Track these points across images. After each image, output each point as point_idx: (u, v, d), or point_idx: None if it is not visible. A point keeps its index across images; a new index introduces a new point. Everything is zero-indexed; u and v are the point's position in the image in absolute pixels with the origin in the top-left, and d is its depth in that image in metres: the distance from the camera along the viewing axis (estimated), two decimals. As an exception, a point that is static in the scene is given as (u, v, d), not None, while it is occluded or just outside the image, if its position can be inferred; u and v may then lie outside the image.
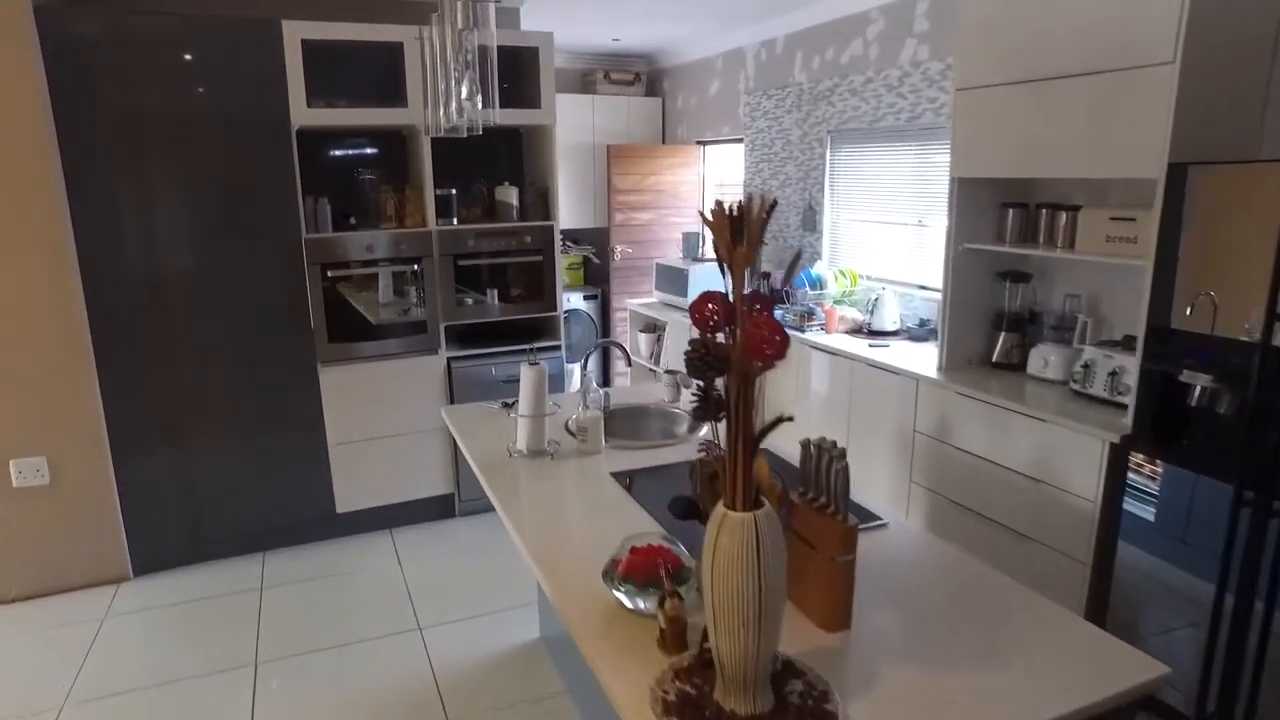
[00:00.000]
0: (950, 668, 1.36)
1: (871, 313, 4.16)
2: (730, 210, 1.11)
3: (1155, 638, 2.59)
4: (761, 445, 1.15)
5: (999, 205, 3.40)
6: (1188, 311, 2.45)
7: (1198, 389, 2.34)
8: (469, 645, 2.99)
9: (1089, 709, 1.27)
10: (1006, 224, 3.36)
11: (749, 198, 1.13)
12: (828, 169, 4.74)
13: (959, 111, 3.24)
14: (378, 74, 3.69)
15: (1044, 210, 3.23)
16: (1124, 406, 2.78)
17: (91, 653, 2.96)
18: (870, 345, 3.93)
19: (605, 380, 6.50)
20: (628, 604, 1.50)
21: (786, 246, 5.15)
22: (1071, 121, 2.79)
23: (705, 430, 2.57)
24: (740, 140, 5.57)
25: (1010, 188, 3.39)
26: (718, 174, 6.33)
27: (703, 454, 1.53)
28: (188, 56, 3.21)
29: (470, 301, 3.93)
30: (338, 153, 3.99)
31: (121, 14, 3.09)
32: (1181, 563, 2.49)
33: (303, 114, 3.38)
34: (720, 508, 1.14)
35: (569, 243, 6.42)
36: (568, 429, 2.56)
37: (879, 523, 1.92)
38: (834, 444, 1.48)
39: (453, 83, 1.84)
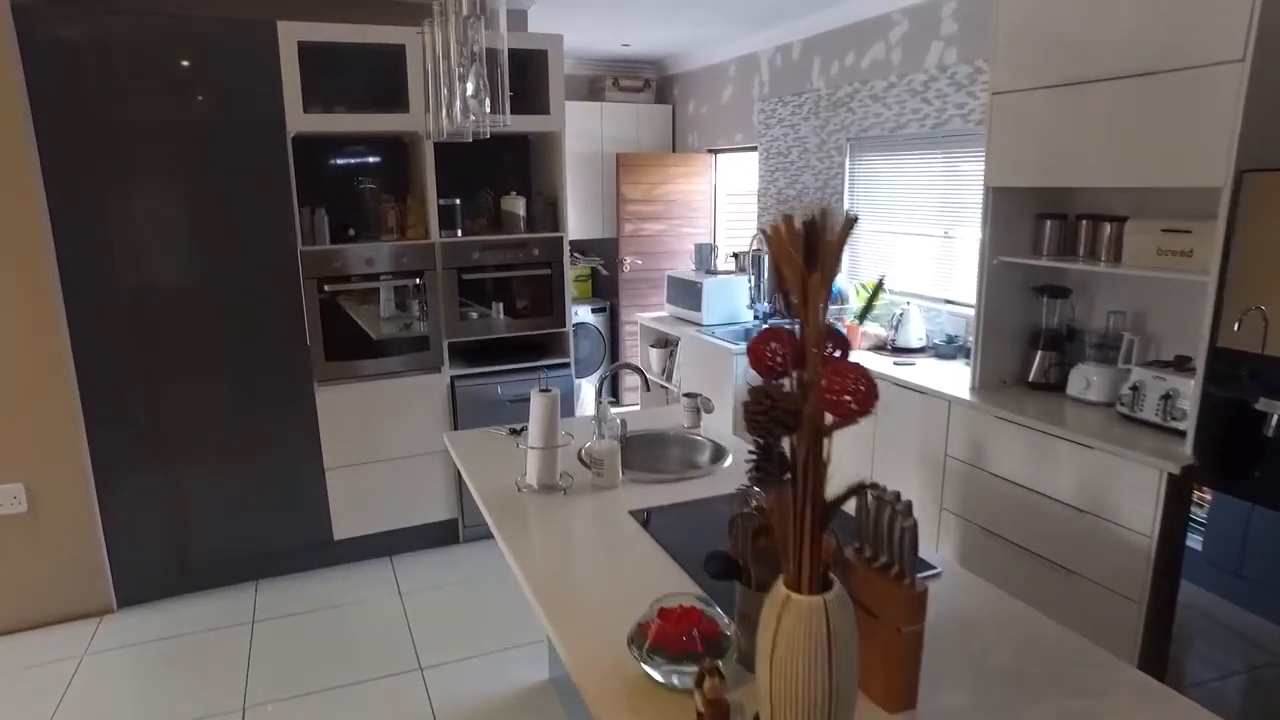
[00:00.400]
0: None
1: (896, 329, 3.96)
2: (800, 226, 0.91)
3: (1212, 684, 2.38)
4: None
5: (1035, 216, 3.21)
6: (1235, 328, 2.26)
7: (1276, 418, 2.13)
8: (473, 688, 2.79)
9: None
10: (1043, 236, 3.16)
11: (823, 211, 0.94)
12: (847, 178, 4.56)
13: (995, 117, 3.05)
14: (378, 77, 3.51)
15: (1084, 221, 3.04)
16: (1180, 433, 2.58)
17: (67, 695, 2.76)
18: (895, 363, 3.73)
19: (614, 398, 6.30)
20: (659, 679, 1.30)
21: (803, 258, 4.95)
22: (1122, 127, 2.59)
23: (728, 461, 2.37)
24: (754, 148, 5.38)
25: (1046, 198, 3.19)
26: (729, 183, 6.14)
27: (748, 509, 1.33)
28: (176, 59, 3.03)
29: (475, 316, 3.74)
30: (336, 161, 3.81)
31: (105, 14, 2.92)
32: (1238, 598, 2.28)
33: (299, 119, 3.20)
34: (781, 587, 0.94)
35: (576, 254, 6.23)
36: (581, 459, 2.36)
37: (932, 572, 1.72)
38: (896, 495, 1.28)
39: (456, 80, 1.65)
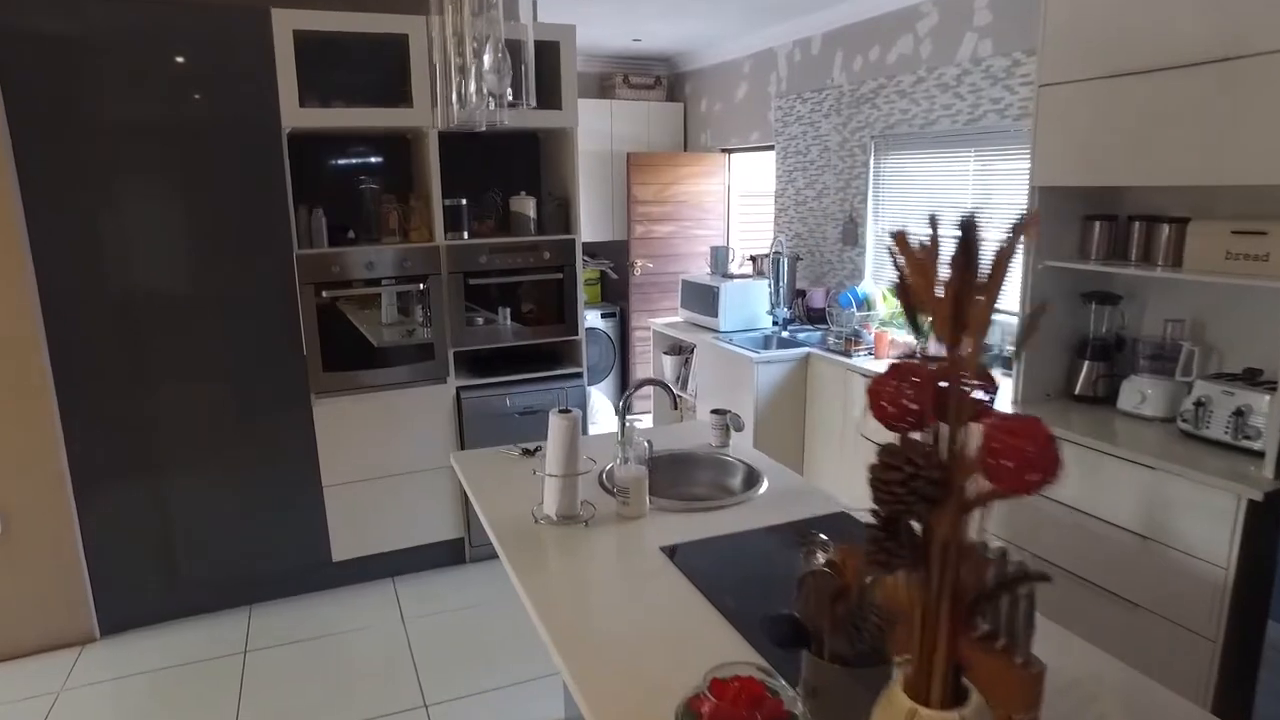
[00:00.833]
0: None
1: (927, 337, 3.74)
2: (953, 237, 0.70)
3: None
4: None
5: (1082, 218, 2.99)
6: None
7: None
8: (482, 728, 2.58)
9: None
10: (1092, 239, 2.95)
11: (970, 221, 0.72)
12: (871, 177, 4.34)
13: (1042, 111, 2.83)
14: (379, 70, 3.31)
15: (1137, 223, 2.83)
16: (1253, 453, 2.36)
17: (44, 736, 2.55)
18: (928, 373, 3.51)
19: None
20: (716, 771, 1.08)
21: (824, 262, 4.74)
22: (1194, 119, 2.38)
23: (763, 487, 2.15)
24: (771, 147, 5.17)
25: (1095, 198, 2.98)
26: (742, 184, 5.93)
27: (818, 565, 1.11)
28: (162, 50, 2.82)
29: (482, 324, 3.52)
30: (335, 159, 3.60)
31: (86, 2, 2.71)
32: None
33: (294, 115, 2.99)
34: (901, 697, 0.73)
35: (585, 256, 6.01)
36: (602, 483, 2.15)
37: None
38: (1003, 552, 1.06)
39: (471, 57, 1.44)
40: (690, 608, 1.56)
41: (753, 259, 4.81)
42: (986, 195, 3.71)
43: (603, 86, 5.93)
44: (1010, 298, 3.66)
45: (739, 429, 2.46)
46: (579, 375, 3.69)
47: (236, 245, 3.02)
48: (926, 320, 0.79)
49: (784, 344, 4.33)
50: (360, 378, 3.29)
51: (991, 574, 0.78)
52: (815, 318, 4.68)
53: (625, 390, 6.05)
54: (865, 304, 4.01)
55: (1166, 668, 2.42)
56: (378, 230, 3.42)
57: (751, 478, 2.24)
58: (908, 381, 0.76)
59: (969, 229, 0.74)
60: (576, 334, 3.67)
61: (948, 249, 0.75)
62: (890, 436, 0.81)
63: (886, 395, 0.76)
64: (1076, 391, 3.07)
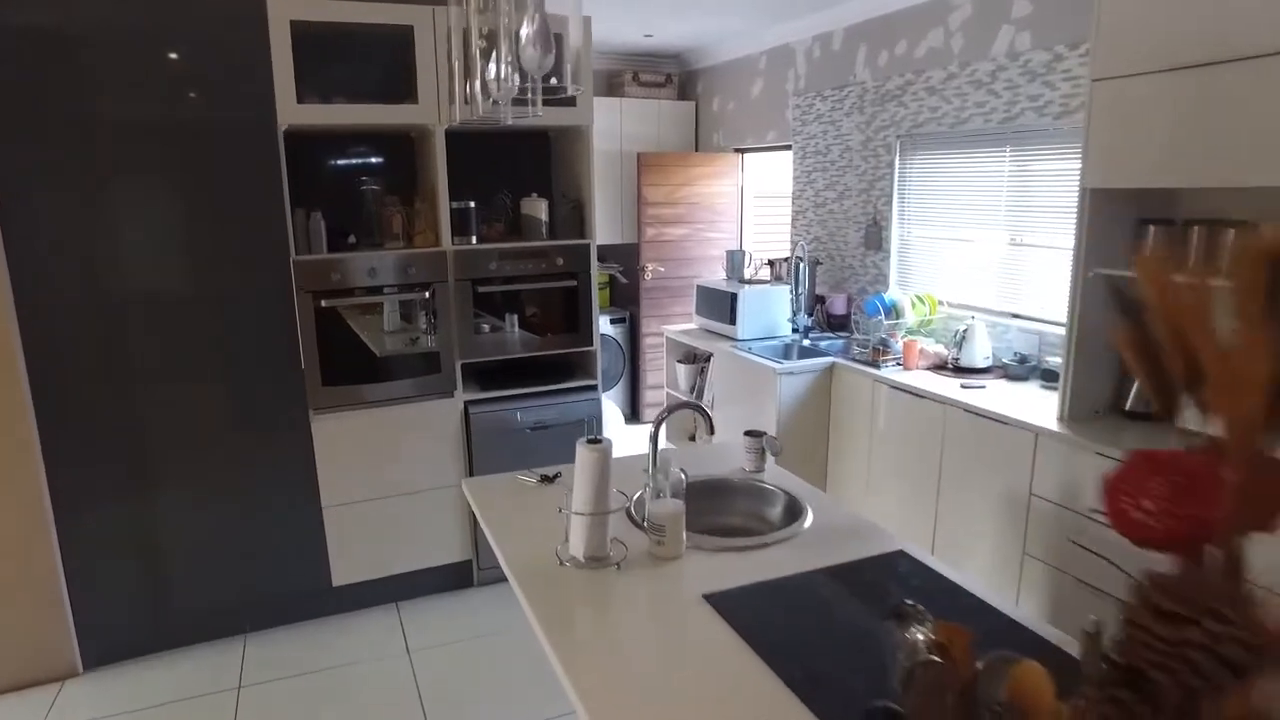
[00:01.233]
0: None
1: (959, 346, 3.55)
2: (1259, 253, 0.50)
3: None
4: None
5: (1136, 222, 2.80)
6: None
7: None
8: (495, 776, 2.37)
9: None
10: (1146, 244, 2.75)
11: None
12: (896, 179, 4.15)
13: (1097, 108, 2.64)
14: (382, 64, 3.11)
15: (1196, 227, 2.63)
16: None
17: (19, 786, 2.35)
18: (963, 386, 3.32)
19: (632, 410, 5.89)
20: None
21: (845, 267, 4.54)
22: (1266, 114, 2.18)
23: (809, 520, 1.95)
24: (788, 147, 4.97)
25: (1150, 200, 2.78)
26: (756, 185, 5.74)
27: (925, 651, 0.91)
28: (147, 41, 2.62)
29: (491, 334, 3.32)
30: (335, 160, 3.40)
31: (68, -13, 2.51)
32: None
33: (292, 111, 2.79)
34: None
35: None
36: (631, 516, 1.95)
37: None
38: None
39: (503, 35, 1.24)
40: (741, 669, 1.36)
41: (770, 263, 4.61)
42: (1023, 198, 3.51)
43: (612, 84, 5.73)
44: (1039, 306, 3.47)
45: (776, 453, 2.26)
46: (593, 388, 3.48)
47: (228, 251, 2.82)
48: (1187, 385, 0.58)
49: (805, 353, 4.14)
50: (362, 392, 3.09)
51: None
52: (836, 325, 4.48)
53: (632, 397, 5.85)
54: (893, 311, 3.81)
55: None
56: (380, 234, 3.22)
57: (794, 509, 2.04)
58: (1179, 486, 0.55)
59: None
60: (591, 344, 3.47)
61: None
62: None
63: (1140, 497, 0.55)
64: (1127, 408, 2.88)
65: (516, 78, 1.34)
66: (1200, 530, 0.55)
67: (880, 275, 4.30)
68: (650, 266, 5.54)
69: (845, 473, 3.83)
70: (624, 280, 5.78)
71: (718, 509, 2.14)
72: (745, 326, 4.27)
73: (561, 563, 1.72)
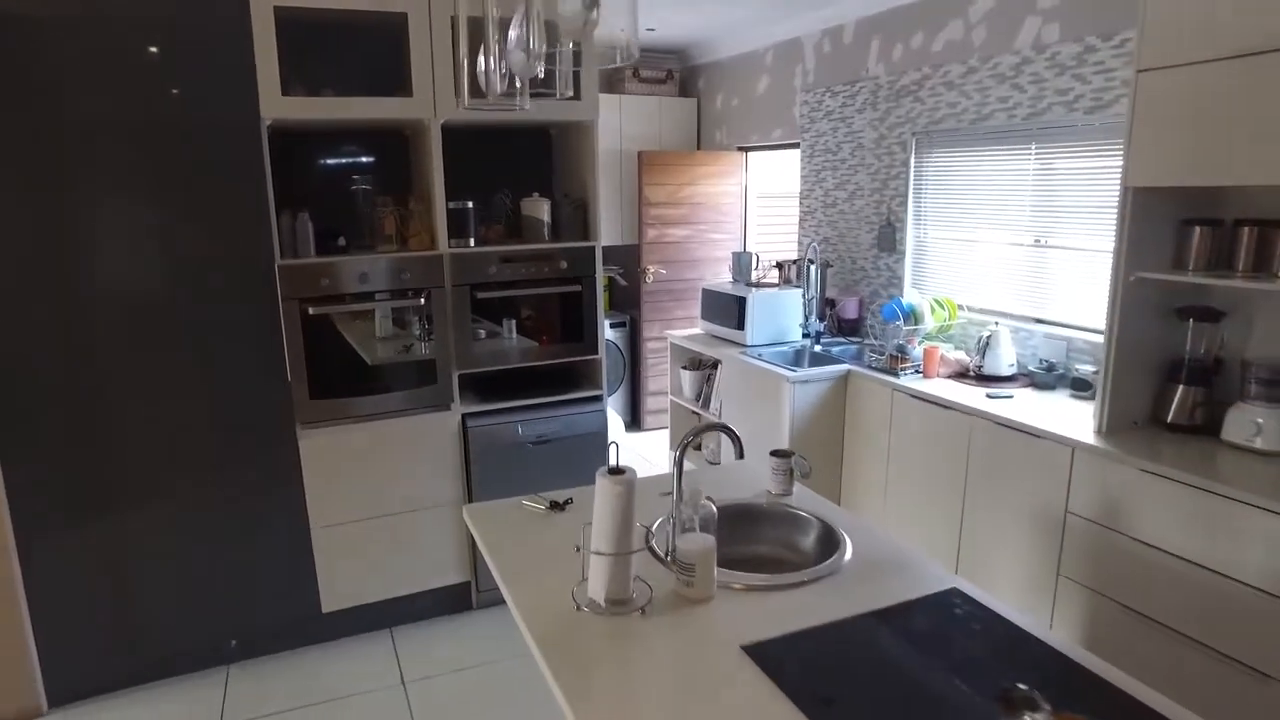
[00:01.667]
0: None
1: (982, 353, 3.37)
2: None
3: None
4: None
5: (1178, 222, 2.63)
6: None
7: None
8: (499, 826, 2.18)
9: None
10: (1190, 246, 2.59)
11: None
12: (911, 177, 3.97)
13: (1142, 100, 2.47)
14: (374, 56, 2.92)
15: (1246, 228, 2.46)
16: None
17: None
18: (989, 395, 3.14)
19: (633, 417, 5.70)
20: None
21: (856, 269, 4.37)
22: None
23: (849, 552, 1.77)
24: (795, 145, 4.79)
25: (1194, 199, 2.62)
26: (760, 184, 5.56)
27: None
28: (117, 27, 2.42)
29: (491, 342, 3.13)
30: (324, 157, 3.20)
31: (30, -32, 2.30)
32: None
33: (276, 104, 2.59)
34: None
35: (592, 263, 5.63)
36: (651, 548, 1.76)
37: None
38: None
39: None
40: (800, 747, 1.17)
41: (779, 266, 4.43)
42: (1049, 197, 3.34)
43: (611, 80, 5.55)
44: (1065, 311, 3.30)
45: (806, 475, 2.08)
46: (598, 398, 3.30)
47: (207, 255, 2.62)
48: None
49: (817, 360, 3.96)
50: (352, 405, 2.89)
51: None
52: (848, 330, 4.31)
53: (633, 402, 5.66)
54: (912, 316, 3.64)
55: (1312, 756, 2.06)
56: (372, 237, 3.03)
57: (829, 538, 1.86)
58: None
59: None
60: (596, 352, 3.28)
61: None
62: None
63: None
64: (1169, 420, 2.71)
65: (543, 46, 1.14)
66: None
67: (894, 278, 4.13)
68: (652, 269, 5.35)
69: (861, 487, 3.65)
70: (624, 283, 5.60)
71: (744, 537, 1.95)
72: (754, 332, 4.09)
73: (579, 607, 1.53)
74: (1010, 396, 3.13)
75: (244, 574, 2.86)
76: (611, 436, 4.86)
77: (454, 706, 2.67)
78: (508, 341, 3.17)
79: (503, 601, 3.25)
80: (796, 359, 4.02)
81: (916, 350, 3.56)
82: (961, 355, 3.50)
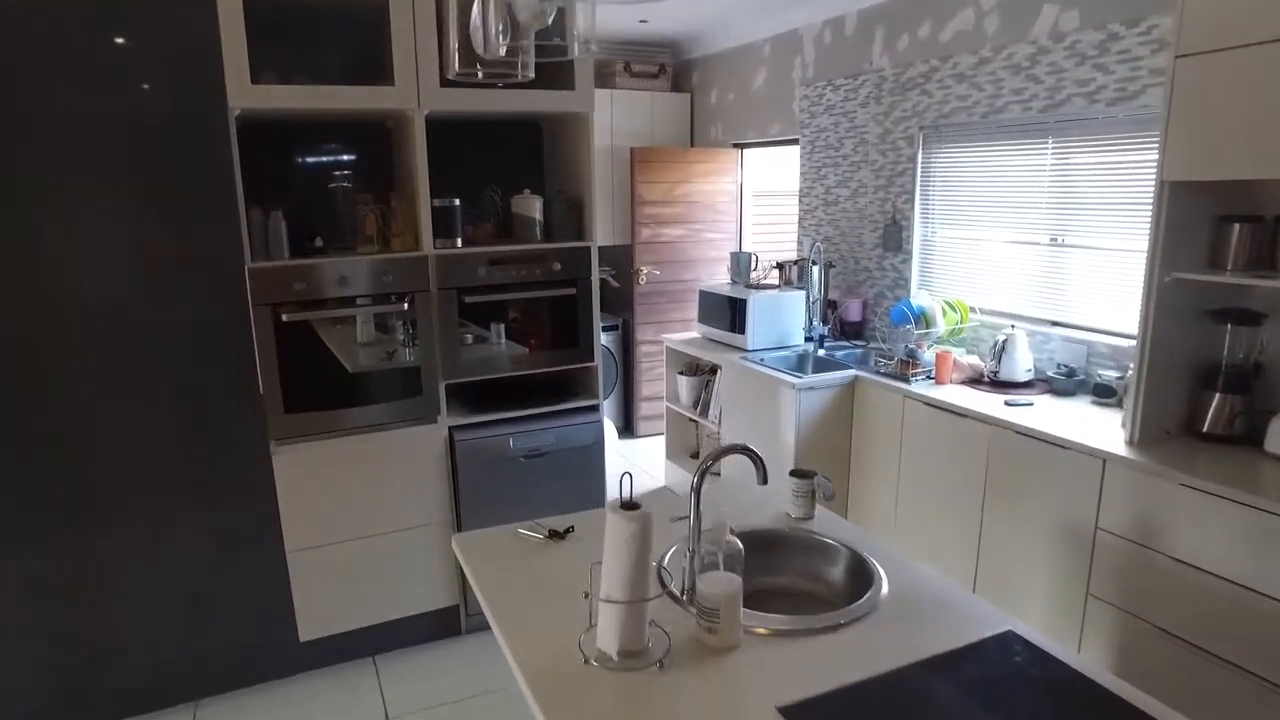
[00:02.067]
0: None
1: (998, 358, 3.21)
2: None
3: None
4: None
5: (1215, 219, 2.47)
6: None
7: None
8: None
9: None
10: (1228, 245, 2.43)
11: None
12: (919, 174, 3.80)
13: (1181, 88, 2.30)
14: (352, 43, 2.71)
15: (1290, 225, 2.31)
16: None
17: None
18: (1007, 403, 2.97)
19: (626, 423, 5.50)
20: None
21: (859, 269, 4.20)
22: None
23: (885, 587, 1.58)
24: (795, 141, 4.62)
25: (1232, 194, 2.46)
26: (756, 182, 5.39)
27: None
28: (69, 15, 2.20)
29: (479, 350, 2.93)
30: (300, 152, 2.98)
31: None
32: None
33: (244, 92, 2.38)
34: None
35: (583, 264, 5.42)
36: (664, 583, 1.57)
37: None
38: None
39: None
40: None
41: (779, 266, 4.25)
42: (1067, 194, 3.17)
43: (602, 75, 5.34)
44: (1083, 313, 3.14)
45: (829, 497, 1.89)
46: (594, 408, 3.10)
47: (169, 257, 2.40)
48: None
49: (821, 365, 3.78)
50: (331, 419, 2.68)
51: None
52: (851, 333, 4.14)
53: (626, 408, 5.46)
54: (923, 319, 3.46)
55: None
56: (352, 237, 2.82)
57: (860, 570, 1.67)
58: None
59: None
60: (592, 359, 3.08)
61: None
62: None
63: None
64: (1204, 429, 2.54)
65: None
66: None
67: (900, 279, 3.96)
68: (645, 270, 5.16)
69: (870, 500, 3.47)
70: (616, 284, 5.40)
71: (766, 567, 1.76)
72: (755, 336, 3.91)
73: (587, 660, 1.34)
74: (1030, 404, 2.97)
75: (214, 602, 2.64)
76: (624, 467, 4.67)
77: (442, 745, 2.47)
78: (497, 348, 2.97)
79: (494, 626, 3.05)
80: (799, 364, 3.84)
81: (927, 355, 3.39)
82: (975, 360, 3.33)
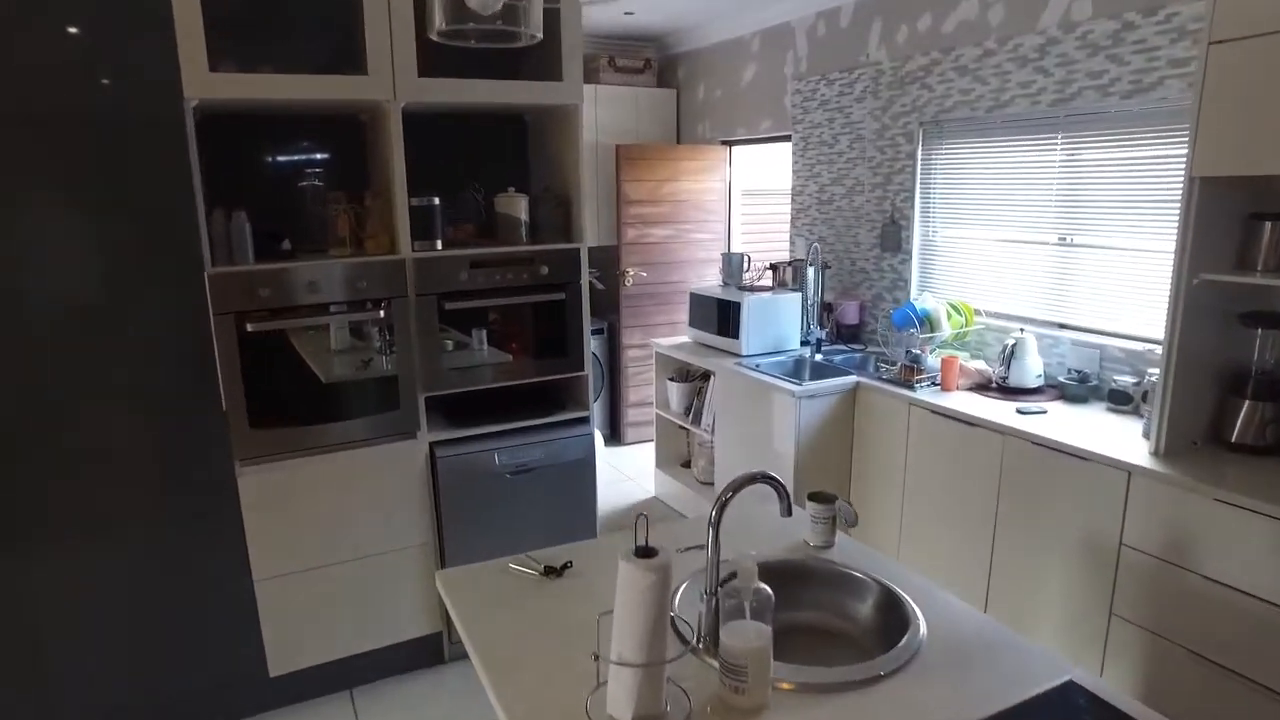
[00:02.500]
0: None
1: (1008, 364, 3.06)
2: None
3: None
4: None
5: (1245, 217, 2.34)
6: None
7: None
8: None
9: None
10: (1259, 244, 2.30)
11: None
12: (919, 171, 3.66)
13: (1214, 77, 2.16)
14: (321, 29, 2.51)
15: (1324, 223, 2.18)
16: None
17: None
18: (1019, 411, 2.83)
19: (612, 430, 5.32)
20: None
21: (856, 270, 4.05)
22: None
23: (922, 628, 1.42)
24: (787, 138, 4.46)
25: (1263, 191, 2.32)
26: (744, 180, 5.23)
27: None
28: (8, -15, 1.99)
29: (461, 359, 2.73)
30: (266, 148, 2.77)
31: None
32: None
33: (202, 81, 2.17)
34: None
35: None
36: (682, 637, 1.39)
37: None
38: None
39: None
40: None
41: (773, 267, 4.08)
42: (1077, 191, 3.04)
43: (586, 69, 5.15)
44: (1093, 316, 3.01)
45: (852, 524, 1.73)
46: (584, 420, 2.92)
47: (120, 263, 2.19)
48: None
49: (820, 371, 3.62)
50: (301, 436, 2.48)
51: None
52: (848, 336, 3.99)
53: (612, 417, 5.28)
54: (927, 322, 3.31)
55: None
56: (323, 239, 2.62)
57: (892, 606, 1.51)
58: None
59: None
60: (582, 368, 2.90)
61: None
62: None
63: None
64: (1233, 439, 2.41)
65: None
66: None
67: (899, 280, 3.81)
68: (631, 271, 4.98)
69: (874, 514, 3.32)
70: (601, 286, 5.21)
71: (786, 601, 1.58)
72: (750, 340, 3.74)
73: (596, 729, 1.16)
74: (1044, 412, 2.82)
75: (175, 636, 2.43)
76: (612, 478, 4.48)
77: (426, 790, 2.28)
78: (481, 358, 2.78)
79: (479, 654, 2.86)
80: (796, 370, 3.68)
81: (929, 359, 3.24)
82: (981, 365, 3.19)
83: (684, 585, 1.55)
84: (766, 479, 1.38)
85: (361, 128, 2.84)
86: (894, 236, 3.79)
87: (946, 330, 3.32)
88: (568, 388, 2.98)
